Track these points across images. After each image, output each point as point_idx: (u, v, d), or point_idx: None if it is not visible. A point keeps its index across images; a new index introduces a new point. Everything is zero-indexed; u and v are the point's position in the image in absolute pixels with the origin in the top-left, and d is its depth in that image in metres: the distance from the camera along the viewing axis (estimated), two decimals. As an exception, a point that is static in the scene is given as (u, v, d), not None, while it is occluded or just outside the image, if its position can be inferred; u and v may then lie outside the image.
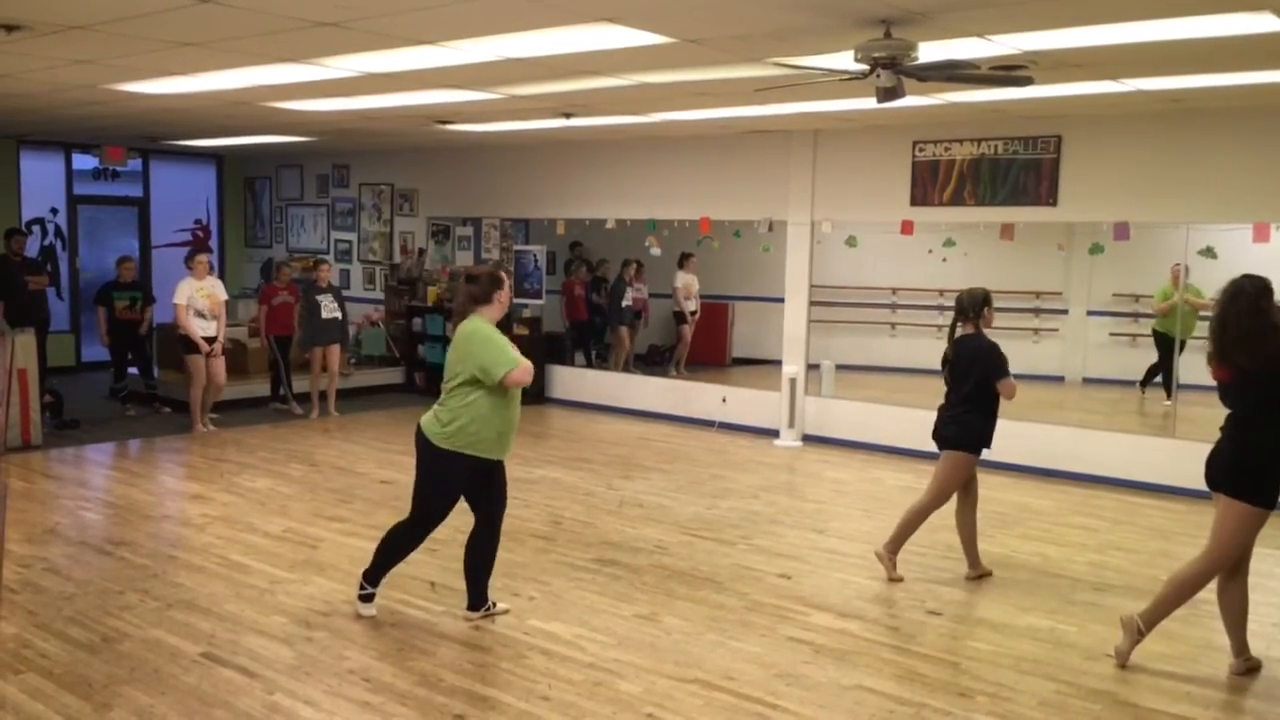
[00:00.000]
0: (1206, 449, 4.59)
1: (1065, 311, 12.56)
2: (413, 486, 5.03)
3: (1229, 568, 4.52)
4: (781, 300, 10.17)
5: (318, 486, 7.84)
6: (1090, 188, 8.39)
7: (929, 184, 9.16)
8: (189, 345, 9.68)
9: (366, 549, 6.19)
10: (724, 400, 10.61)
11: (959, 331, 5.76)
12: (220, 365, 9.91)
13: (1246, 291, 4.39)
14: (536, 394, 11.47)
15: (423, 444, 4.93)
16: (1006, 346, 5.71)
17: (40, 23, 5.56)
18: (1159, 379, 10.61)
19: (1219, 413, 4.56)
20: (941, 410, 5.82)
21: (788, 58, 5.77)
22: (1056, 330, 12.60)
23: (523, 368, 4.80)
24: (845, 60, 5.47)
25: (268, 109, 8.91)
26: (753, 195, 10.23)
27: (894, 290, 13.20)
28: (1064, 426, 8.83)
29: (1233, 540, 4.43)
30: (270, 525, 6.77)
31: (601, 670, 4.55)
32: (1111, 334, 12.26)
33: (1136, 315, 11.92)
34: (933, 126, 8.98)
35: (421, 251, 13.17)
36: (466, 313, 4.95)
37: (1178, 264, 9.53)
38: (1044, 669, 4.67)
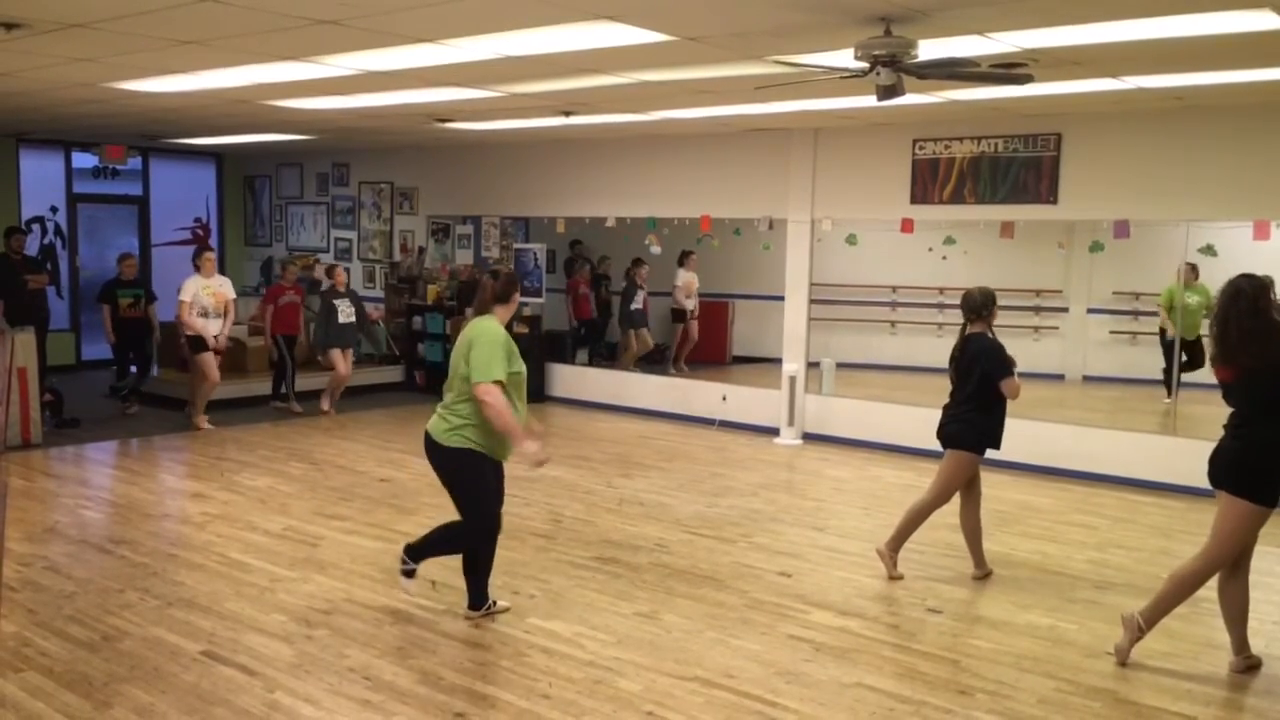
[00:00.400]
0: (1207, 447, 4.59)
1: (1065, 309, 12.57)
2: (452, 500, 5.00)
3: (1230, 565, 4.52)
4: (782, 298, 10.16)
5: (318, 485, 7.84)
6: (1090, 186, 8.38)
7: (929, 182, 9.15)
8: (198, 343, 9.66)
9: (367, 547, 6.23)
10: (724, 398, 10.61)
11: (968, 330, 5.76)
12: (215, 362, 9.89)
13: (1245, 292, 4.39)
14: (537, 392, 11.46)
15: (438, 451, 4.90)
16: (1007, 345, 5.71)
17: (40, 21, 5.56)
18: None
19: (1220, 411, 4.56)
20: (946, 409, 5.82)
21: (788, 55, 5.76)
22: (1057, 328, 12.60)
23: (494, 396, 4.66)
24: (845, 58, 5.46)
25: (268, 107, 8.91)
26: (753, 193, 10.22)
27: (894, 288, 13.21)
28: (1064, 424, 8.83)
29: (1232, 538, 4.43)
30: (270, 523, 6.77)
31: (602, 668, 4.55)
32: (1112, 332, 12.27)
33: (1137, 313, 11.93)
34: (933, 124, 8.98)
35: (421, 250, 13.17)
36: (484, 309, 4.97)
37: (1191, 263, 9.38)
38: (1044, 667, 4.66)
